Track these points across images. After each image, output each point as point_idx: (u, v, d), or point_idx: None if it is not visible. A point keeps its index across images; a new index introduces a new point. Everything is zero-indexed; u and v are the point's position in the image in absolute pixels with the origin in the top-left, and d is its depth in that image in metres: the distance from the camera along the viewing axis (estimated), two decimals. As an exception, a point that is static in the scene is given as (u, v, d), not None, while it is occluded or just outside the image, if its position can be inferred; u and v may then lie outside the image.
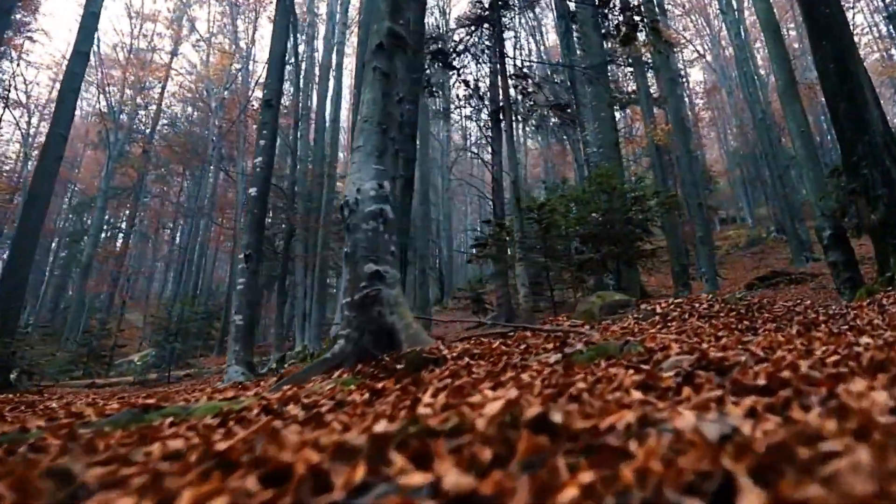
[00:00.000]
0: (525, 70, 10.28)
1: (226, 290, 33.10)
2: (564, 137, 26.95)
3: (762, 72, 30.23)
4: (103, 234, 34.96)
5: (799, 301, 4.10)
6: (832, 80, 7.80)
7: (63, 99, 12.63)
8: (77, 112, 46.09)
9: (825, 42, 7.93)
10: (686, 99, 37.08)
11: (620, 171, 11.76)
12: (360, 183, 3.28)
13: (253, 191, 9.26)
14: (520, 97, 10.05)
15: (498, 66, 9.69)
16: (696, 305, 3.69)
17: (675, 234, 16.74)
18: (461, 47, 9.94)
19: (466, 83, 9.60)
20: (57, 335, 28.95)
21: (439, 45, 8.32)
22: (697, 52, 41.16)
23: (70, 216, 40.99)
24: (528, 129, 43.94)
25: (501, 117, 9.27)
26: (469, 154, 22.06)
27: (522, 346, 2.81)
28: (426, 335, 3.19)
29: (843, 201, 8.52)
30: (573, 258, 8.73)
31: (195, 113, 37.20)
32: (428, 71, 9.21)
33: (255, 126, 27.59)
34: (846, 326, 3.12)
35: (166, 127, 35.66)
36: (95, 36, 13.40)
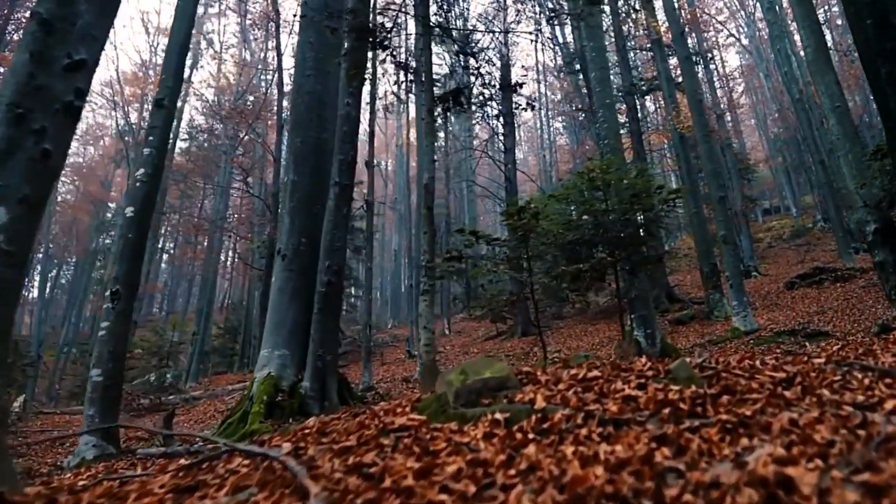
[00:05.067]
0: (461, 40, 8.74)
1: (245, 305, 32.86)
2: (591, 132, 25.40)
3: (802, 53, 28.06)
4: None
5: (802, 364, 2.46)
6: (869, 39, 6.30)
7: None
8: (105, 131, 46.79)
9: (858, -7, 6.44)
10: (716, 83, 35.06)
11: (625, 162, 10.35)
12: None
13: (129, 210, 7.14)
14: (472, 78, 8.62)
15: (451, 39, 8.10)
16: (616, 385, 2.12)
17: (702, 231, 15.15)
18: (387, 19, 8.45)
19: (401, 65, 8.18)
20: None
21: (358, 20, 6.95)
22: (732, 35, 38.98)
23: (100, 235, 41.37)
24: (554, 124, 42.36)
25: (449, 103, 7.88)
26: (479, 153, 20.76)
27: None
28: (7, 466, 1.85)
29: (889, 188, 7.01)
30: (559, 271, 7.34)
31: (215, 125, 37.05)
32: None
33: (275, 136, 27.08)
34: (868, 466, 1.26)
35: (185, 141, 35.60)
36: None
